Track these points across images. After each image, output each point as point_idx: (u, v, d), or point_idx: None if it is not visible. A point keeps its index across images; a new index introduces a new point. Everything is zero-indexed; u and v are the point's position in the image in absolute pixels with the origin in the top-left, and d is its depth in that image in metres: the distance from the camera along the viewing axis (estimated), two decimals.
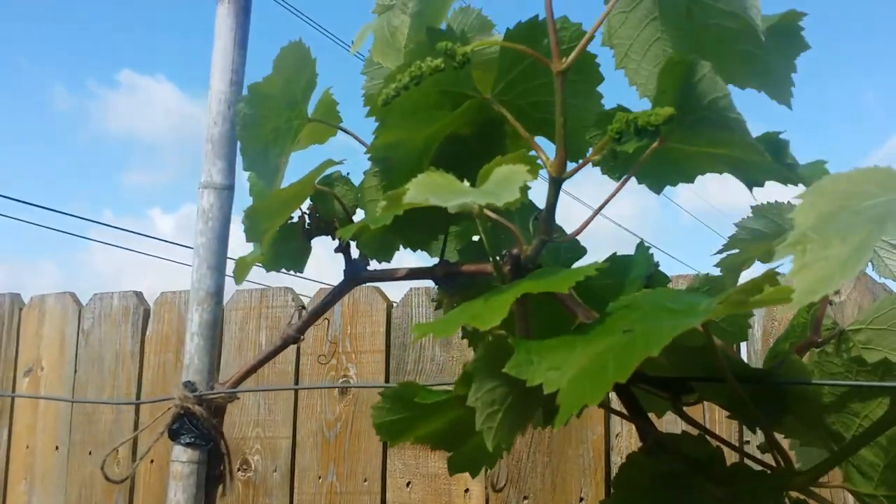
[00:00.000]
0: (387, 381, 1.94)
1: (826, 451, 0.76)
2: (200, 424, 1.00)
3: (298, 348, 2.01)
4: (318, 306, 0.99)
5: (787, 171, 0.74)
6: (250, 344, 2.07)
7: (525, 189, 0.64)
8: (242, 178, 1.06)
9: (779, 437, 0.76)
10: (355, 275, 0.96)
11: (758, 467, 0.74)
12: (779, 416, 0.76)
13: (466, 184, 0.69)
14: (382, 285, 2.00)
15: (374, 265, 0.97)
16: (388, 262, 0.95)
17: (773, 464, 0.74)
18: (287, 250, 0.97)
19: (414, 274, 0.94)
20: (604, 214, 0.87)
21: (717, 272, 1.02)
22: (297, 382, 2.03)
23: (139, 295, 2.23)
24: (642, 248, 0.89)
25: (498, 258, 0.84)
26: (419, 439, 0.78)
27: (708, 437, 0.77)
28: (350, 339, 1.98)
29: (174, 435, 1.01)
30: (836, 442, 0.74)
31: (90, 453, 2.20)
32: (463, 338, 0.98)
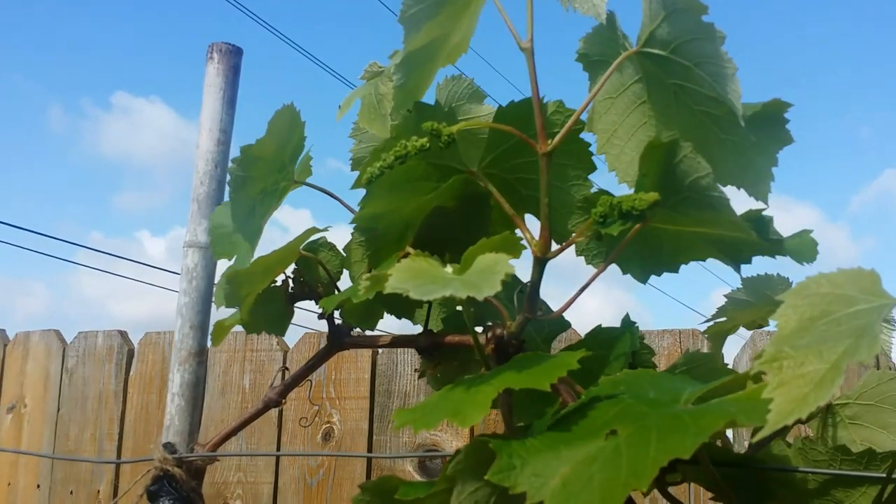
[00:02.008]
0: (370, 427, 1.92)
1: None
2: (180, 487, 0.99)
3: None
4: (300, 370, 0.98)
5: (774, 246, 0.73)
6: (234, 388, 2.06)
7: (507, 279, 0.63)
8: None
9: None
10: (339, 341, 0.95)
11: None
12: (761, 501, 0.76)
13: (449, 269, 0.69)
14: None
15: (357, 330, 0.96)
16: (372, 329, 0.94)
17: None
18: (269, 313, 0.96)
19: (397, 342, 0.93)
20: None
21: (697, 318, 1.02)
22: (279, 427, 2.01)
23: (123, 334, 2.21)
24: (628, 322, 0.89)
25: (481, 330, 0.83)
26: None
27: None
28: (334, 385, 1.97)
29: (153, 497, 0.99)
30: None
31: (71, 492, 2.17)
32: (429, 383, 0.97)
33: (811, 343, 0.52)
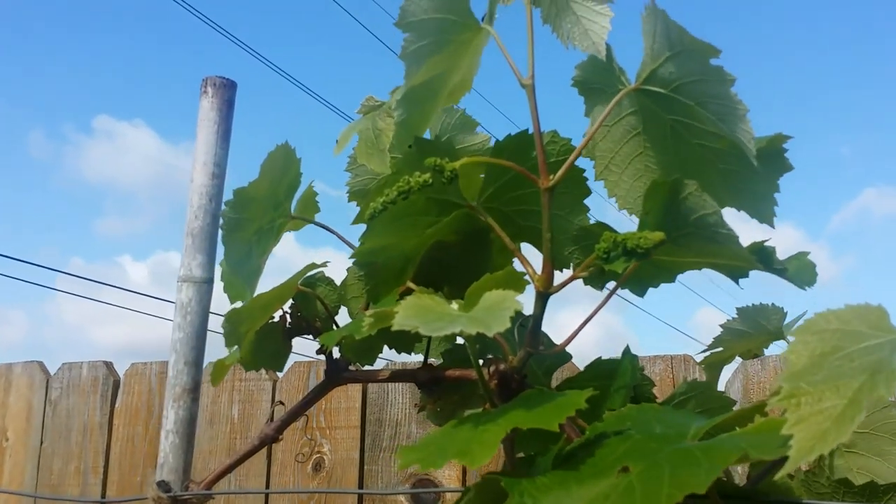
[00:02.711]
0: (361, 457, 1.91)
1: None
2: None
3: (272, 413, 1.98)
4: (297, 406, 0.97)
5: (777, 273, 0.74)
6: (222, 418, 2.04)
7: (515, 316, 0.63)
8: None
9: None
10: (336, 375, 0.94)
11: None
12: None
13: (454, 305, 0.69)
14: None
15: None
16: (371, 365, 0.94)
17: None
18: (267, 350, 0.95)
19: (397, 376, 0.93)
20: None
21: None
22: (269, 458, 1.99)
23: (109, 365, 2.19)
24: (628, 354, 0.89)
25: (483, 363, 0.83)
26: None
27: None
28: (325, 415, 1.95)
29: None
30: None
31: None
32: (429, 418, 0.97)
33: (827, 379, 0.53)
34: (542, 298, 0.76)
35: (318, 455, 1.95)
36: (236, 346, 0.92)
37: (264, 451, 1.98)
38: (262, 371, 2.05)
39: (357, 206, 1.01)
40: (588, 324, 0.80)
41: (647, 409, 0.80)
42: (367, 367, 0.95)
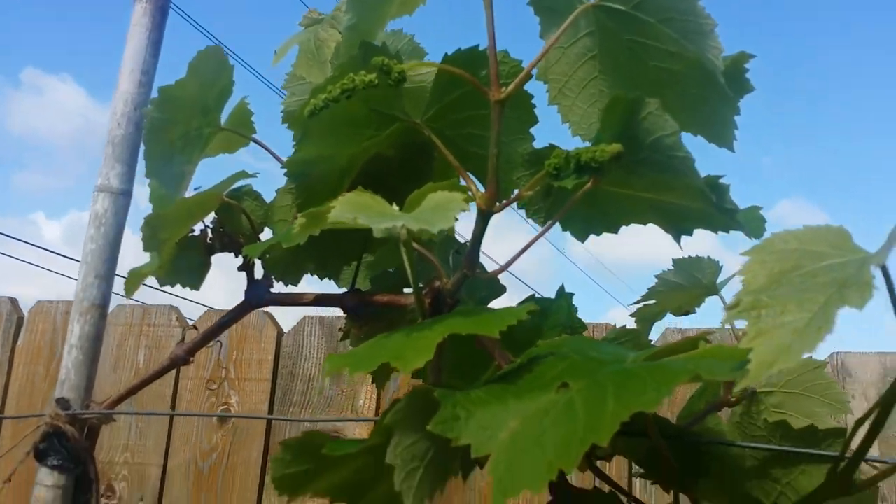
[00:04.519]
0: (270, 411, 1.85)
1: None
2: (70, 446, 0.91)
3: (178, 370, 1.91)
4: (212, 327, 0.92)
5: (725, 217, 0.71)
6: (127, 363, 1.96)
7: (465, 205, 0.59)
8: (141, 185, 0.99)
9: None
10: (257, 297, 0.89)
11: None
12: (696, 477, 0.74)
13: (396, 208, 0.64)
14: (274, 312, 1.93)
15: (278, 288, 0.91)
16: (296, 285, 0.89)
17: None
18: (185, 265, 0.89)
19: (321, 300, 0.88)
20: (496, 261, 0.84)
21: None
22: (174, 407, 1.92)
23: (14, 301, 2.08)
24: (563, 294, 0.86)
25: (411, 292, 0.79)
26: (318, 492, 0.72)
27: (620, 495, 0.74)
28: (235, 366, 1.89)
29: (41, 455, 0.92)
30: None
31: None
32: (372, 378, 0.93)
33: (789, 294, 0.50)
34: (484, 218, 0.72)
35: (225, 406, 1.88)
36: (154, 259, 0.86)
37: (168, 401, 1.91)
38: (173, 318, 1.97)
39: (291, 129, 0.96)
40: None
41: (583, 338, 0.77)
42: (291, 291, 0.90)
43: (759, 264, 0.55)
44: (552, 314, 0.84)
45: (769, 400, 0.92)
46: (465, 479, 0.69)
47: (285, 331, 1.90)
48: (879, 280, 0.49)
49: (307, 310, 1.87)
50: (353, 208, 0.59)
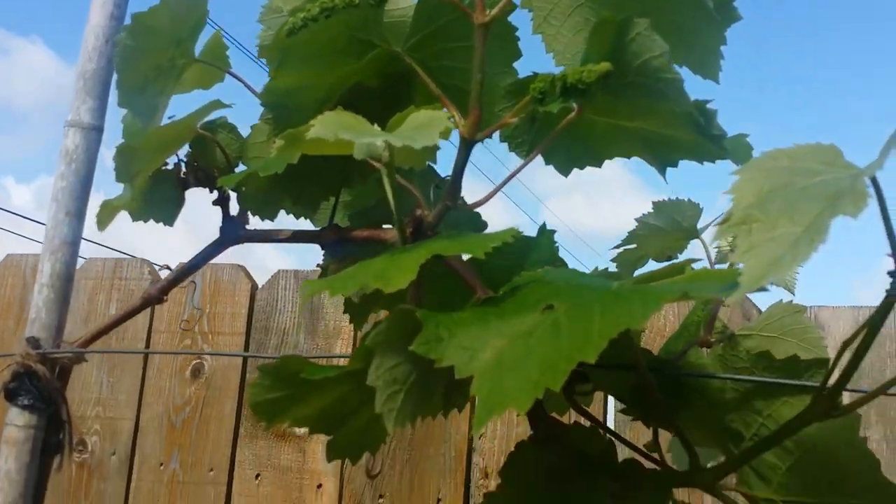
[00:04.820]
0: (244, 367, 1.84)
1: (720, 450, 0.73)
2: (41, 386, 0.89)
3: (151, 322, 1.89)
4: (186, 265, 0.90)
5: (711, 145, 0.70)
6: (99, 317, 1.93)
7: (446, 133, 0.58)
8: (114, 121, 0.96)
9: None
10: (233, 233, 0.87)
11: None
12: (676, 410, 0.73)
13: (378, 129, 0.63)
14: (248, 266, 1.91)
15: (254, 224, 0.89)
16: (272, 220, 0.87)
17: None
18: (158, 199, 0.87)
19: (298, 237, 0.86)
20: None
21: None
22: (146, 362, 1.90)
23: None
24: (545, 231, 0.84)
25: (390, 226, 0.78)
26: (298, 420, 0.70)
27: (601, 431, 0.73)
28: (208, 319, 1.87)
29: (11, 395, 0.90)
30: (735, 441, 0.71)
31: None
32: (345, 312, 0.91)
33: (780, 209, 0.49)
34: (467, 146, 0.71)
35: (199, 361, 1.87)
36: (127, 191, 0.84)
37: (141, 362, 1.89)
38: (146, 271, 1.94)
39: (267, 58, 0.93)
40: None
41: (567, 269, 0.76)
42: (267, 227, 0.88)
43: (748, 182, 0.54)
44: (534, 251, 0.83)
45: (747, 343, 0.91)
46: (445, 414, 0.68)
47: (259, 285, 1.88)
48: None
49: (282, 263, 1.86)
50: (334, 126, 0.57)
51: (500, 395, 0.49)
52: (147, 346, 1.88)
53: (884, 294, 0.53)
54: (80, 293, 1.91)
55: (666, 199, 1.00)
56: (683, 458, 0.80)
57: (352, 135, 0.55)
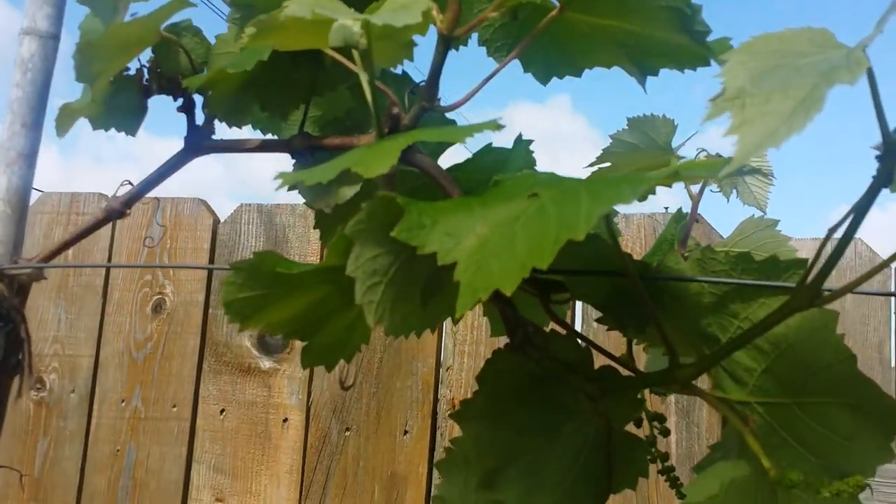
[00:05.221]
0: (206, 300, 1.81)
1: (696, 356, 0.73)
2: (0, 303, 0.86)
3: (110, 253, 1.85)
4: (150, 177, 0.87)
5: (695, 45, 0.69)
6: None
7: (427, 16, 0.55)
8: (71, 29, 0.93)
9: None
10: (197, 143, 0.84)
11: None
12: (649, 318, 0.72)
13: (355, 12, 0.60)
14: (210, 201, 1.87)
15: (220, 134, 0.86)
16: (240, 127, 0.84)
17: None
18: (120, 105, 0.84)
19: (266, 146, 0.83)
20: None
21: None
22: (104, 298, 1.86)
23: None
24: (522, 141, 0.83)
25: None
26: (272, 326, 0.68)
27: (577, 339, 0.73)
28: (169, 255, 1.84)
29: None
30: (711, 346, 0.70)
31: None
32: (315, 226, 0.89)
33: (774, 85, 0.48)
34: (445, 43, 0.68)
35: (160, 296, 1.83)
36: (86, 93, 0.80)
37: (99, 290, 1.85)
38: (102, 205, 1.90)
39: None
40: None
41: (546, 172, 0.74)
42: (233, 137, 0.86)
43: (739, 64, 0.52)
44: (510, 161, 0.81)
45: None
46: (423, 305, 0.67)
47: (222, 219, 1.85)
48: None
49: (244, 196, 1.82)
50: (311, 3, 0.54)
51: (485, 277, 0.48)
52: (106, 282, 1.84)
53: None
54: (35, 227, 1.87)
55: (638, 116, 0.98)
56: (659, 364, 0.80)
57: (330, 12, 0.53)
